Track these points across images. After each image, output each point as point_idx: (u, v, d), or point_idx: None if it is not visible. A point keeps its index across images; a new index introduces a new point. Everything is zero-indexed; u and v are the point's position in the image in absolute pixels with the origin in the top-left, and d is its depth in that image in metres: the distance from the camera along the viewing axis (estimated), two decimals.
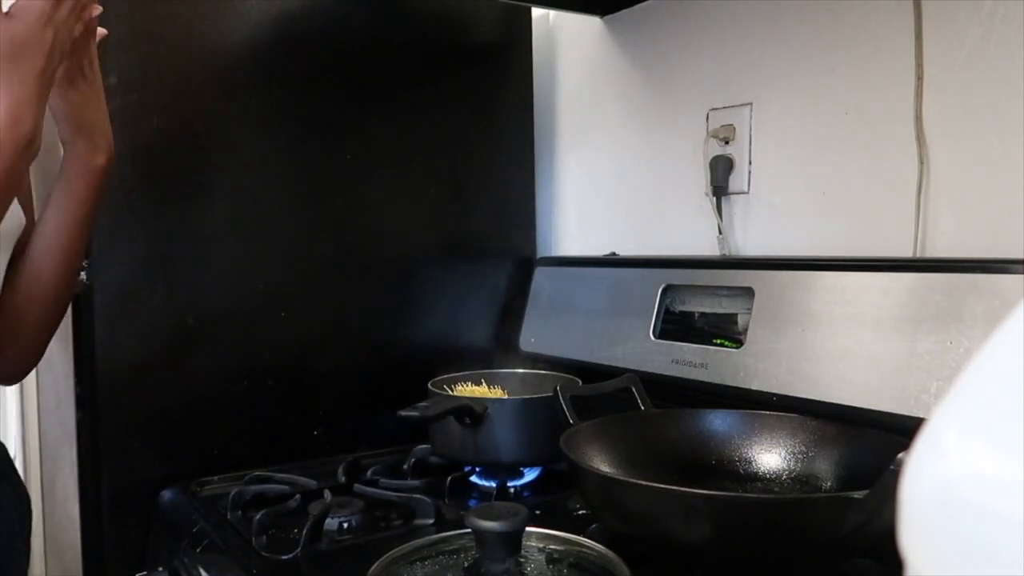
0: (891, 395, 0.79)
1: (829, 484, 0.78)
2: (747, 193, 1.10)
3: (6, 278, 0.78)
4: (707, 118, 1.14)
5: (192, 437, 1.04)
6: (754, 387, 0.91)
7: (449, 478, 0.93)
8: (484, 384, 1.08)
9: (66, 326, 0.97)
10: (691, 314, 1.05)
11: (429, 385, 1.02)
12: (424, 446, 1.02)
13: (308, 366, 1.13)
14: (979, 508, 0.22)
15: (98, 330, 0.98)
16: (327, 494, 0.87)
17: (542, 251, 1.37)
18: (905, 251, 0.91)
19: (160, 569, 0.89)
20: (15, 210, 0.74)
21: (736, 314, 1.00)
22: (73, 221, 0.78)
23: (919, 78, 0.89)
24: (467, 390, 1.05)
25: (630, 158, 1.27)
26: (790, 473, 0.81)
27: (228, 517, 0.88)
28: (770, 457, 0.83)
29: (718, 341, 0.99)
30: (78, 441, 1.02)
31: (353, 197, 1.16)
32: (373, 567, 0.60)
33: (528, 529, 0.62)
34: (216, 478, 1.01)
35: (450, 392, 1.02)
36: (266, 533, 0.82)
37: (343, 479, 0.97)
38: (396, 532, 0.83)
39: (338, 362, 1.15)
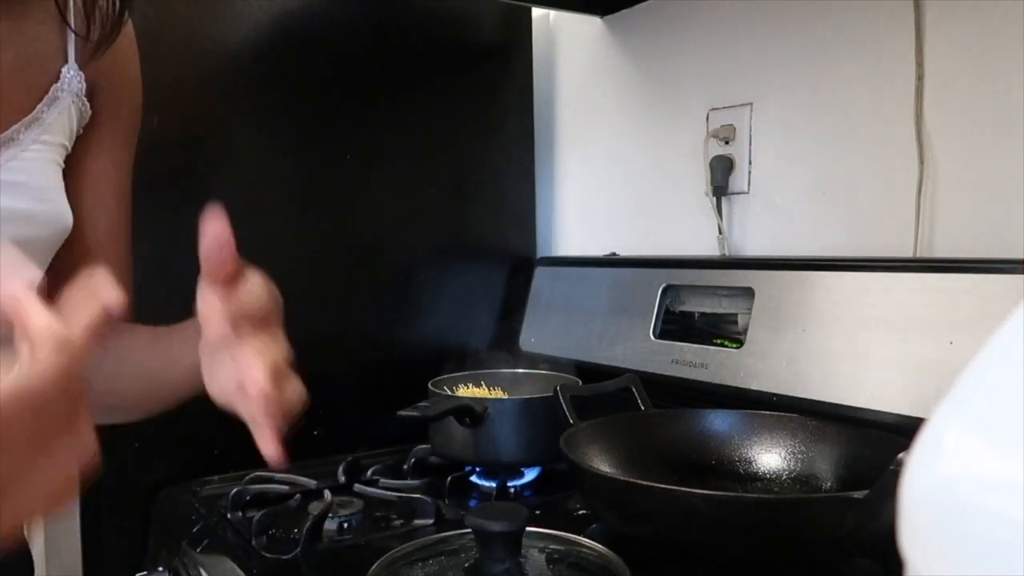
0: (891, 395, 0.79)
1: (829, 484, 0.78)
2: (747, 193, 1.10)
3: None
4: (707, 118, 1.14)
5: (192, 437, 1.04)
6: (754, 387, 0.91)
7: (449, 478, 0.93)
8: (484, 386, 1.08)
9: None
10: (691, 314, 1.05)
11: (429, 385, 1.02)
12: (424, 446, 1.01)
13: (308, 366, 1.12)
14: (979, 508, 0.22)
15: None
16: (327, 494, 0.87)
17: (542, 251, 1.37)
18: (905, 251, 0.91)
19: (160, 569, 0.89)
20: (60, 213, 0.62)
21: (736, 314, 1.00)
22: (178, 386, 0.62)
23: (919, 78, 0.89)
24: (467, 391, 1.05)
25: (630, 158, 1.27)
26: (790, 473, 0.81)
27: (228, 517, 0.88)
28: (770, 457, 0.83)
29: (718, 341, 0.99)
30: None
31: (353, 197, 1.16)
32: (373, 567, 0.60)
33: (528, 529, 0.61)
34: (216, 478, 1.01)
35: (450, 393, 1.02)
36: (266, 533, 0.82)
37: (343, 479, 0.96)
38: (396, 532, 0.83)
39: (338, 362, 1.15)
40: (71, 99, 0.63)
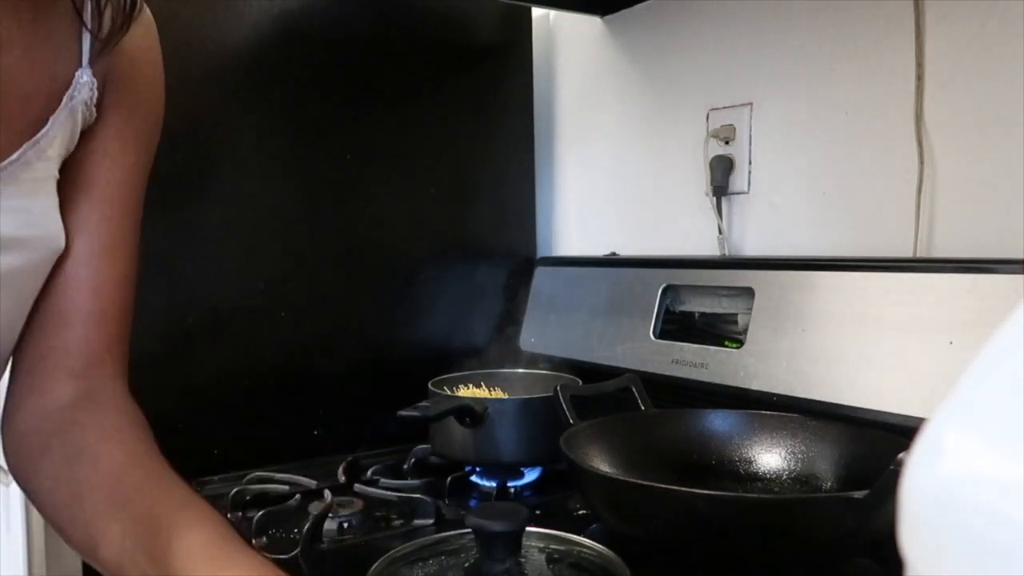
0: (891, 395, 0.79)
1: (829, 484, 0.78)
2: (747, 193, 1.10)
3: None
4: (707, 118, 1.14)
5: (192, 437, 1.04)
6: (754, 387, 0.91)
7: (449, 478, 0.93)
8: (484, 386, 1.08)
9: None
10: (691, 314, 1.05)
11: (429, 385, 1.02)
12: (424, 446, 1.01)
13: (308, 366, 1.12)
14: (979, 508, 0.22)
15: None
16: (327, 494, 0.87)
17: (542, 251, 1.37)
18: (905, 251, 0.91)
19: None
20: (53, 236, 0.57)
21: (736, 314, 1.00)
22: None
23: (919, 77, 0.89)
24: (467, 391, 1.05)
25: (630, 158, 1.27)
26: (790, 473, 0.81)
27: (228, 517, 0.88)
28: (770, 457, 0.83)
29: (718, 341, 0.99)
30: None
31: (353, 197, 1.16)
32: (373, 567, 0.60)
33: (528, 529, 0.61)
34: (216, 478, 1.01)
35: (450, 393, 1.02)
36: (266, 533, 0.82)
37: (343, 479, 0.96)
38: (396, 532, 0.83)
39: (338, 362, 1.15)
40: (80, 107, 0.57)
